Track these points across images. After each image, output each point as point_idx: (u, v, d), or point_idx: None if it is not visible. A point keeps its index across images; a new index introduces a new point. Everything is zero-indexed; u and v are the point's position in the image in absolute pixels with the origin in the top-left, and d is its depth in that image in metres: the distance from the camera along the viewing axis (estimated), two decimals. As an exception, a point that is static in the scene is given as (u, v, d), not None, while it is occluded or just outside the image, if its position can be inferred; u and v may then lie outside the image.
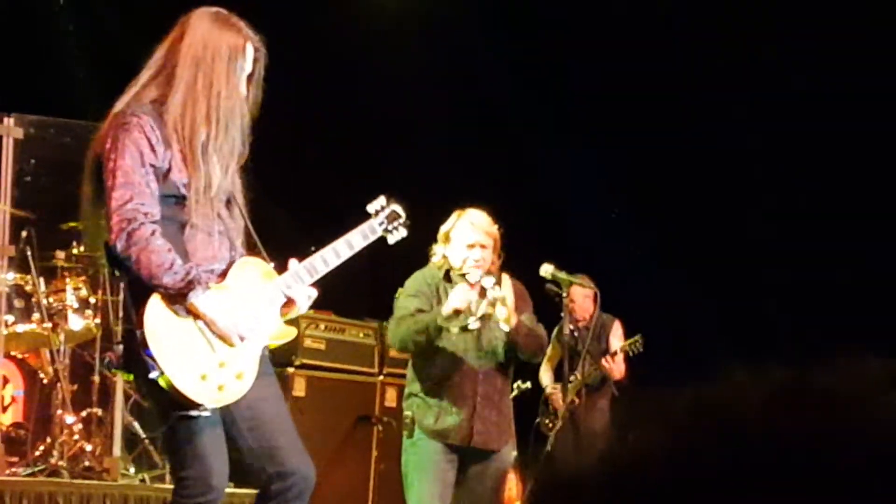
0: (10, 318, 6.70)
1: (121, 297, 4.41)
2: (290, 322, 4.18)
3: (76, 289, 6.96)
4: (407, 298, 5.48)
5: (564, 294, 6.13)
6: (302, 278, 4.09)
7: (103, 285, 7.08)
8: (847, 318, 7.58)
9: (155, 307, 3.77)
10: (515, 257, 5.63)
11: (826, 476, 0.90)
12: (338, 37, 8.82)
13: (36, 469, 6.45)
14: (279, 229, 4.39)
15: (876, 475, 0.89)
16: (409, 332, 5.36)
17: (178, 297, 3.78)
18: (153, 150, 3.81)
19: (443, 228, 5.52)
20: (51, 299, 6.89)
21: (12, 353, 6.89)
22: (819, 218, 8.46)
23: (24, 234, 6.79)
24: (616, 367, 7.70)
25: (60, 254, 7.13)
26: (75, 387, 7.03)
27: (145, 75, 3.94)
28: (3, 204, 6.66)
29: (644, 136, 9.08)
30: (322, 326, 7.85)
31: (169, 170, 3.84)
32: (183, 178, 3.85)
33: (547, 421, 8.02)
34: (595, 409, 7.63)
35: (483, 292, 5.29)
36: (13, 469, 6.44)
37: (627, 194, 9.24)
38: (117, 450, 6.94)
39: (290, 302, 4.10)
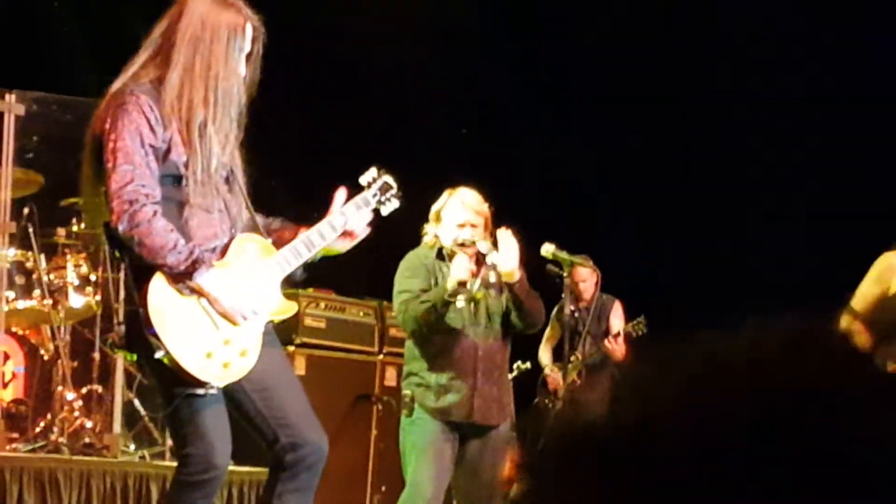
0: (11, 295, 6.70)
1: (121, 274, 4.41)
2: (290, 298, 4.20)
3: (77, 266, 6.96)
4: (407, 280, 5.43)
5: (565, 274, 6.08)
6: (300, 253, 4.08)
7: (104, 262, 7.07)
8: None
9: (157, 287, 3.77)
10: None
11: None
12: (337, 34, 8.73)
13: (36, 445, 6.46)
14: (278, 205, 4.37)
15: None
16: (419, 313, 5.29)
17: (180, 276, 3.78)
18: (152, 130, 3.80)
19: (434, 207, 5.47)
20: (51, 276, 6.89)
21: (13, 330, 6.90)
22: (819, 218, 8.45)
23: (25, 210, 6.80)
24: (618, 349, 7.72)
25: (61, 231, 7.12)
26: (76, 363, 7.04)
27: (143, 55, 3.92)
28: (5, 181, 6.65)
29: (644, 135, 9.06)
30: (322, 305, 7.84)
31: (168, 150, 3.83)
32: (182, 158, 3.84)
33: (547, 401, 8.03)
34: (595, 390, 7.62)
35: (482, 259, 5.27)
36: (13, 445, 6.45)
37: (627, 193, 9.20)
38: (117, 427, 6.95)
39: (347, 234, 4.16)
